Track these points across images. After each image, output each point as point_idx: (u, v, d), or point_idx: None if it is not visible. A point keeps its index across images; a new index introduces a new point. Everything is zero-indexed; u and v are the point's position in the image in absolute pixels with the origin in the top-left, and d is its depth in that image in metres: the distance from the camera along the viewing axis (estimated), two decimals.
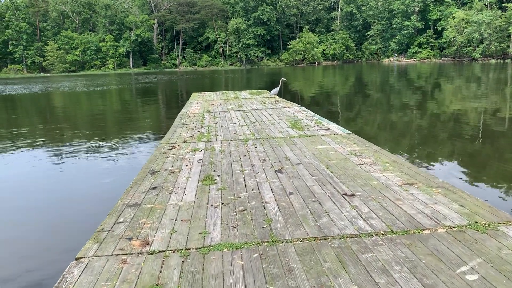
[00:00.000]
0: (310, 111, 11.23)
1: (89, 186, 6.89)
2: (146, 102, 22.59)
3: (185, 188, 4.76)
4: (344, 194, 4.32)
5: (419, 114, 13.59)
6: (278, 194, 4.42)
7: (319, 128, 8.46)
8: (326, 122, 9.19)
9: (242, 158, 6.11)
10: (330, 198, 4.23)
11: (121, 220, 3.89)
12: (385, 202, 4.05)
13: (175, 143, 7.51)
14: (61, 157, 9.12)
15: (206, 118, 10.76)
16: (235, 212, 3.95)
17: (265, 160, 5.93)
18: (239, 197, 4.38)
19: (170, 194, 4.59)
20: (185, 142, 7.54)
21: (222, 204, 4.18)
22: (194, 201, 4.30)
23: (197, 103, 14.91)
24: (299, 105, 12.61)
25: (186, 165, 5.82)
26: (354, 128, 10.89)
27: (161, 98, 25.14)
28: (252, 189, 4.61)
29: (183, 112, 12.28)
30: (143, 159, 8.00)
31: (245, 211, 3.95)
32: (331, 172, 5.18)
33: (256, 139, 7.62)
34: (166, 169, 5.66)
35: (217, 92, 19.61)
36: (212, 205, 4.17)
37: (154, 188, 4.84)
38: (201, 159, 6.15)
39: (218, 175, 5.24)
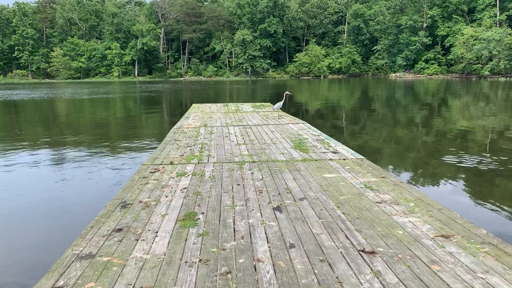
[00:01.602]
0: (316, 129, 10.24)
1: (49, 220, 5.71)
2: (147, 113, 21.71)
3: (157, 232, 3.75)
4: (362, 251, 3.29)
5: (436, 134, 12.54)
6: (275, 246, 3.40)
7: (326, 151, 7.45)
8: (334, 143, 8.18)
9: (235, 188, 5.11)
10: (344, 256, 3.21)
11: (61, 283, 2.88)
12: (417, 267, 3.02)
13: (160, 164, 6.52)
14: (22, 180, 8.12)
15: (201, 133, 9.78)
16: (215, 275, 2.93)
17: (262, 192, 4.92)
18: (224, 249, 3.36)
19: (137, 240, 3.58)
20: (171, 163, 6.54)
21: (200, 261, 3.16)
22: (165, 254, 3.29)
23: (195, 115, 13.97)
24: (304, 122, 11.62)
25: (166, 196, 4.82)
26: (363, 148, 9.88)
27: (162, 109, 24.26)
28: (242, 237, 3.59)
29: (178, 125, 11.32)
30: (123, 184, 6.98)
31: (229, 275, 2.93)
32: (343, 213, 4.16)
33: (253, 162, 6.62)
34: (141, 201, 4.65)
35: (218, 104, 18.70)
36: (187, 262, 3.15)
37: (119, 230, 3.83)
38: (185, 188, 5.14)
39: (202, 213, 4.24)
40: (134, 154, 9.81)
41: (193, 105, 18.51)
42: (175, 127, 11.06)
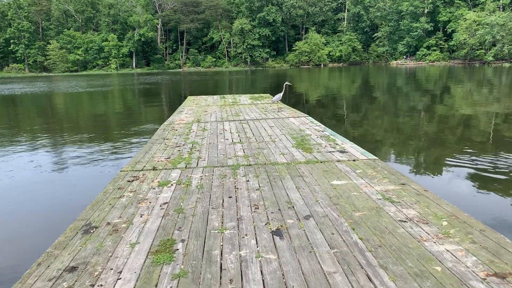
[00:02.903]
0: (319, 123, 9.34)
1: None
2: (144, 106, 20.79)
3: (121, 272, 2.88)
4: None
5: (455, 126, 11.59)
6: None
7: (332, 150, 6.57)
8: (340, 140, 7.29)
9: (226, 202, 4.24)
10: None
11: None
12: None
13: (141, 170, 5.64)
14: None
15: (193, 130, 8.89)
16: None
17: (258, 208, 4.05)
18: None
19: (92, 286, 2.72)
20: (154, 169, 5.66)
21: None
22: None
23: (189, 109, 13.06)
24: (305, 115, 10.70)
25: (141, 215, 3.95)
26: (372, 144, 9.00)
27: (160, 102, 23.32)
28: (231, 281, 2.72)
29: (169, 121, 10.43)
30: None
31: None
32: (360, 238, 3.29)
33: (250, 165, 5.74)
34: (109, 223, 3.79)
35: (215, 96, 17.75)
36: None
37: (73, 268, 2.97)
38: (166, 203, 4.27)
39: (183, 240, 3.37)
40: (121, 156, 8.93)
41: (188, 97, 17.57)
42: (165, 123, 10.17)
